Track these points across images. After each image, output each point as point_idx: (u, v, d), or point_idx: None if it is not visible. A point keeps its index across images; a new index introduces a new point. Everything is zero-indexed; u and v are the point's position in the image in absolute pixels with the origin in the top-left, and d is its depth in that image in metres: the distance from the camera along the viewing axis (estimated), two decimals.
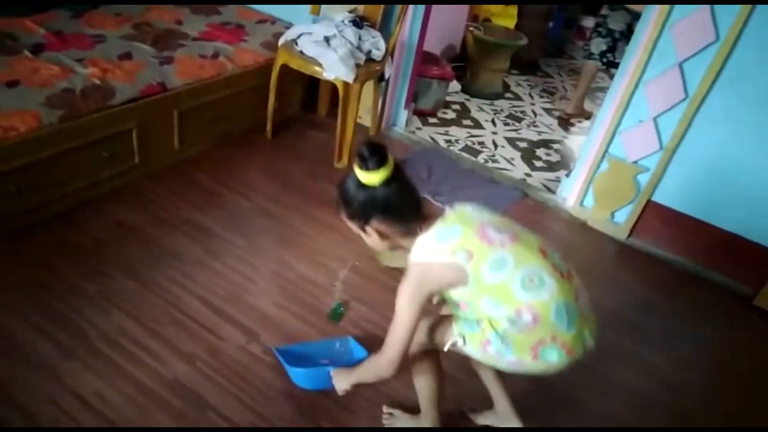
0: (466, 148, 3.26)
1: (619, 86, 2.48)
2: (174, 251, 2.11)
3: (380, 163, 1.20)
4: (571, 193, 2.82)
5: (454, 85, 3.87)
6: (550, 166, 3.25)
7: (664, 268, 2.60)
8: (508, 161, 3.22)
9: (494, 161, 3.19)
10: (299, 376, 1.65)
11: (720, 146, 2.34)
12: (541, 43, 4.67)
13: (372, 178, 1.20)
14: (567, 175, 2.89)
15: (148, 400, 1.60)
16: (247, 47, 2.82)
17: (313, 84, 3.13)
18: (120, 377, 1.64)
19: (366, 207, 1.25)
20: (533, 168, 3.20)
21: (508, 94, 4.08)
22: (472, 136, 3.42)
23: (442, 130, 3.42)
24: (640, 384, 1.97)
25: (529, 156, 3.31)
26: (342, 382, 1.46)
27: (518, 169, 3.16)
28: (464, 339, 1.28)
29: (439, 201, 2.70)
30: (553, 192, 2.96)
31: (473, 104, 3.84)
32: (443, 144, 3.26)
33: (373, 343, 1.89)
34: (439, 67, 3.45)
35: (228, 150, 2.77)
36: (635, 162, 2.54)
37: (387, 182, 1.22)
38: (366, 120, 3.16)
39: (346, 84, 2.59)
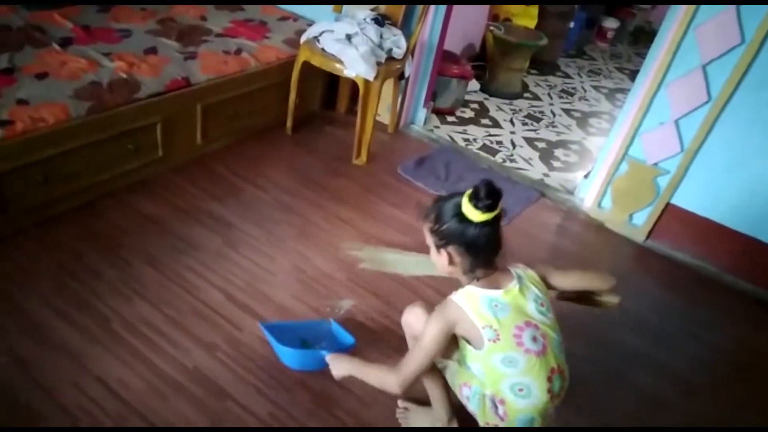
0: (484, 147, 3.27)
1: (641, 87, 2.47)
2: (194, 242, 2.15)
3: (491, 208, 1.26)
4: (589, 194, 2.81)
5: (473, 84, 3.87)
6: (569, 167, 3.24)
7: (682, 271, 2.58)
8: (526, 161, 3.21)
9: (512, 161, 3.19)
10: (287, 355, 1.67)
11: (742, 150, 2.32)
12: (561, 43, 4.65)
13: (476, 215, 1.26)
14: (585, 176, 2.88)
15: (168, 387, 1.63)
16: (269, 44, 2.85)
17: (333, 81, 3.15)
18: (141, 364, 1.68)
19: (453, 234, 1.30)
20: (551, 168, 3.19)
21: (527, 94, 4.07)
22: (491, 135, 3.42)
23: (460, 128, 3.42)
24: (656, 386, 1.97)
25: (547, 156, 3.30)
26: (340, 368, 1.49)
27: (536, 169, 3.15)
28: (454, 367, 1.41)
29: None
30: (571, 193, 2.95)
31: (492, 103, 3.83)
32: (461, 143, 3.26)
33: (384, 335, 1.92)
34: (459, 66, 3.45)
35: (249, 145, 2.80)
36: (655, 164, 2.52)
37: (485, 224, 1.27)
38: (385, 117, 3.17)
39: (366, 82, 2.61)
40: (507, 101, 3.90)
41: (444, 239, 1.32)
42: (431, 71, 3.12)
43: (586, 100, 4.17)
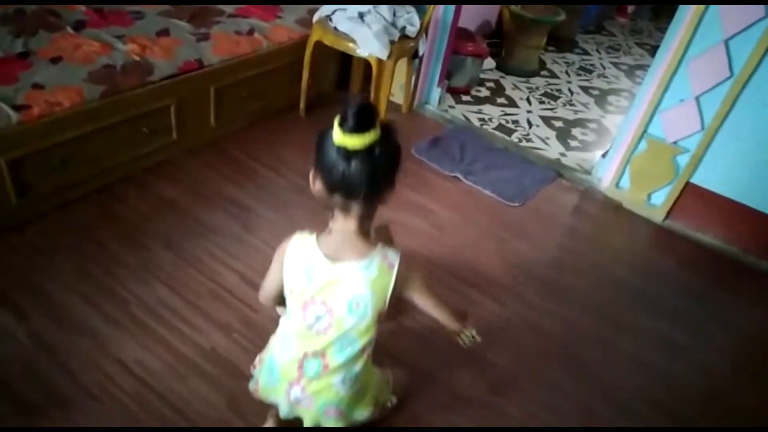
0: (500, 127, 3.22)
1: (661, 64, 2.40)
2: (211, 226, 2.17)
3: (356, 130, 1.02)
4: (606, 174, 2.77)
5: (489, 63, 3.81)
6: (586, 146, 3.18)
7: (702, 252, 2.54)
8: (543, 141, 3.17)
9: (528, 140, 3.15)
10: None
11: (765, 127, 2.26)
12: (580, 18, 4.54)
13: (338, 137, 1.04)
14: (603, 156, 2.83)
15: (186, 367, 1.66)
16: (282, 24, 2.82)
17: (346, 61, 3.12)
18: (159, 345, 1.71)
19: (317, 151, 1.11)
20: (568, 148, 3.14)
21: (544, 72, 4.00)
22: (506, 114, 3.37)
23: (475, 108, 3.38)
24: (674, 368, 1.95)
25: (564, 135, 3.25)
26: None
27: (553, 149, 3.11)
28: None
29: (471, 180, 2.69)
30: (589, 173, 2.90)
31: (508, 82, 3.77)
32: (476, 123, 3.22)
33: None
34: (474, 44, 3.39)
35: (262, 127, 2.80)
36: (675, 142, 2.47)
37: (349, 154, 1.04)
38: (398, 97, 3.14)
39: (379, 61, 2.58)
40: (524, 79, 3.83)
41: (316, 151, 1.11)
42: (445, 49, 3.07)
43: (605, 77, 4.08)
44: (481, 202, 2.60)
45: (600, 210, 2.72)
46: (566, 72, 4.06)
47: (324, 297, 1.20)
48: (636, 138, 2.56)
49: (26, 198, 2.00)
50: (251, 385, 1.41)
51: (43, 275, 1.86)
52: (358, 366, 1.27)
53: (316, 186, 1.13)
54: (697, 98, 2.34)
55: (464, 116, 3.26)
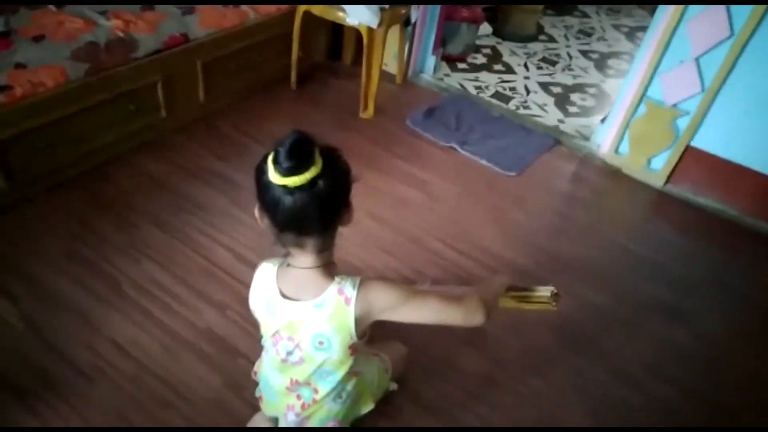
0: (497, 95, 3.16)
1: (660, 25, 2.32)
2: (201, 202, 2.14)
3: (294, 171, 0.96)
4: (605, 140, 2.71)
5: (485, 28, 3.71)
6: (585, 112, 3.12)
7: (703, 217, 2.50)
8: (541, 107, 3.10)
9: (526, 108, 3.08)
10: None
11: (765, 88, 2.19)
12: None
13: (275, 177, 0.97)
14: (602, 121, 2.77)
15: (180, 346, 1.66)
16: None
17: (337, 31, 3.05)
18: (153, 324, 1.70)
19: (258, 187, 1.03)
20: (567, 114, 3.08)
21: (542, 36, 3.90)
22: (504, 81, 3.30)
23: (471, 75, 3.30)
24: (676, 335, 1.92)
25: (563, 101, 3.18)
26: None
27: (551, 116, 3.04)
28: None
29: (467, 150, 2.64)
30: (587, 139, 2.85)
31: (505, 48, 3.68)
32: (472, 91, 3.16)
33: None
34: (469, 9, 3.30)
35: (253, 101, 2.75)
36: (674, 105, 2.40)
37: (294, 189, 0.97)
38: (392, 67, 3.08)
39: (370, 30, 2.52)
40: (521, 45, 3.74)
41: (257, 188, 1.03)
42: (439, 15, 2.99)
43: (605, 40, 3.98)
44: (477, 172, 2.56)
45: (599, 176, 2.67)
46: (565, 36, 3.96)
47: (289, 333, 1.15)
48: (635, 102, 2.49)
49: (13, 181, 1.98)
50: (257, 393, 1.41)
51: (34, 259, 1.84)
52: (349, 385, 1.26)
53: (265, 223, 1.05)
54: (696, 59, 2.27)
55: (460, 84, 3.19)
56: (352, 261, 2.00)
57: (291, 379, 1.22)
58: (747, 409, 1.73)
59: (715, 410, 1.71)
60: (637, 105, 2.50)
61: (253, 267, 1.88)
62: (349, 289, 1.09)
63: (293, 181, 0.96)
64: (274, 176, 0.97)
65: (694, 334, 1.94)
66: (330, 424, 1.29)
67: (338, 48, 3.15)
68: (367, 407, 1.36)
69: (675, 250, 2.32)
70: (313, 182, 0.98)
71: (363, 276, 1.13)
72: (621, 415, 1.66)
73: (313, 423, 1.28)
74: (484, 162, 2.60)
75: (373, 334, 1.24)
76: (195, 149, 2.41)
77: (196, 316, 1.75)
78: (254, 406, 1.46)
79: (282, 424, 1.33)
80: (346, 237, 2.07)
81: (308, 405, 1.24)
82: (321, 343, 1.13)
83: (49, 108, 1.97)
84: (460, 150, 2.65)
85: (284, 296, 1.13)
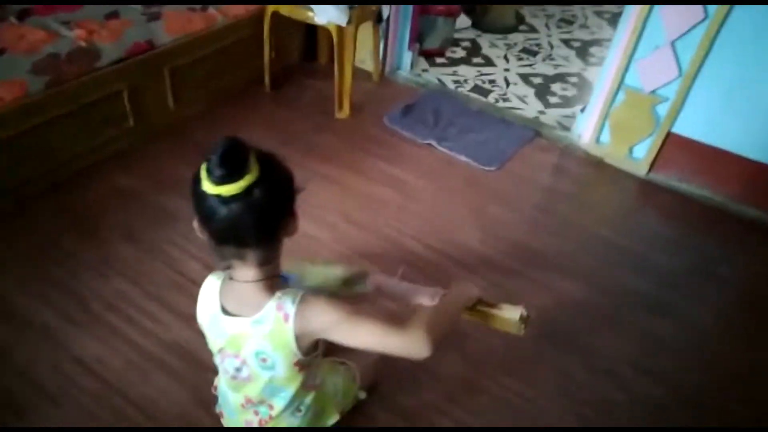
0: (476, 88, 3.11)
1: (633, 11, 2.27)
2: (172, 213, 2.10)
3: (227, 179, 0.91)
4: (586, 130, 2.66)
5: (464, 21, 3.66)
6: (567, 102, 3.07)
7: (688, 204, 2.45)
8: (521, 99, 3.05)
9: (506, 100, 3.03)
10: None
11: (744, 69, 2.14)
12: None
13: (208, 186, 0.93)
14: (582, 110, 2.72)
15: (148, 362, 1.62)
16: None
17: (311, 30, 3.00)
18: (120, 341, 1.66)
19: (193, 197, 0.98)
20: (547, 105, 3.03)
21: (523, 27, 3.84)
22: (483, 74, 3.25)
23: (450, 70, 3.25)
24: (662, 328, 1.87)
25: (543, 92, 3.13)
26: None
27: (531, 107, 2.99)
28: None
29: (445, 146, 2.60)
30: (568, 129, 2.80)
31: (485, 40, 3.63)
32: (451, 86, 3.10)
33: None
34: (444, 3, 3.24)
35: (226, 106, 2.70)
36: (653, 92, 2.35)
37: (229, 199, 0.93)
38: (368, 65, 3.03)
39: (339, 28, 2.47)
40: (501, 36, 3.68)
41: (193, 199, 0.98)
42: (413, 11, 2.94)
43: (587, 27, 3.92)
44: (456, 168, 2.52)
45: (581, 167, 2.62)
46: (546, 25, 3.90)
47: (234, 350, 1.11)
48: (613, 90, 2.44)
49: None
50: (217, 408, 1.37)
51: (1, 279, 1.80)
52: (308, 399, 1.21)
53: (204, 235, 1.01)
54: (672, 43, 2.22)
55: (438, 80, 3.14)
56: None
57: (245, 397, 1.18)
58: (736, 403, 1.68)
59: (703, 405, 1.67)
60: (616, 93, 2.45)
61: None
62: (289, 305, 1.03)
63: (226, 189, 0.92)
64: (207, 185, 0.93)
65: (680, 327, 1.89)
66: None
67: (313, 48, 3.11)
68: (332, 419, 1.32)
69: (660, 241, 2.27)
70: (248, 191, 0.93)
71: (307, 292, 1.07)
72: (605, 414, 1.62)
73: None
74: (462, 158, 2.55)
75: (332, 345, 1.19)
76: (165, 158, 2.36)
77: (164, 330, 1.71)
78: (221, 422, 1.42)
79: None
80: (318, 240, 2.06)
81: (265, 421, 1.20)
82: (264, 360, 1.09)
83: (8, 123, 1.92)
84: (438, 146, 2.60)
85: (225, 311, 1.08)
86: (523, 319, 1.22)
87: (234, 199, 0.92)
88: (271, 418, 1.20)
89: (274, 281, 1.07)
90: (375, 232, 2.13)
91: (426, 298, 1.34)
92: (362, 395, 1.46)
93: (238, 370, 1.13)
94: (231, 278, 1.08)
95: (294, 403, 1.18)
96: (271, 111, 2.75)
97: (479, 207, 2.31)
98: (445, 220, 2.23)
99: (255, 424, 1.22)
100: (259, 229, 0.98)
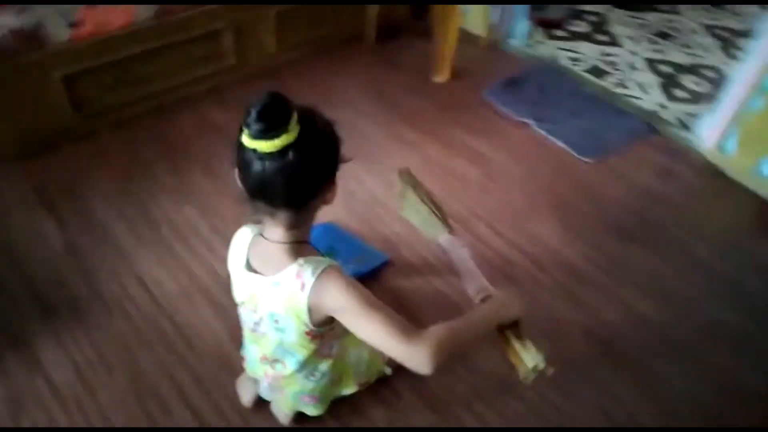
0: (593, 69, 2.83)
1: None
2: None
3: (264, 134, 0.89)
4: (710, 133, 2.33)
5: None
6: (695, 98, 2.71)
7: None
8: (642, 88, 2.74)
9: (624, 86, 2.74)
10: None
11: None
12: None
13: (246, 139, 0.91)
14: (710, 111, 2.38)
15: (199, 293, 1.68)
16: None
17: None
18: (179, 268, 1.74)
19: (235, 148, 0.97)
20: (671, 98, 2.69)
21: (664, 6, 3.42)
22: (605, 54, 2.95)
23: (569, 45, 2.99)
24: (744, 376, 1.62)
25: (670, 83, 2.79)
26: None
27: (652, 98, 2.68)
28: None
29: (543, 128, 2.41)
30: (689, 129, 2.48)
31: (616, 16, 3.27)
32: (566, 63, 2.85)
33: (424, 270, 1.79)
34: None
35: (326, 56, 2.68)
36: None
37: (264, 155, 0.91)
38: (478, 28, 2.85)
39: None
40: (636, 13, 3.31)
41: (236, 145, 0.95)
42: None
43: (739, 15, 3.41)
44: (549, 153, 2.33)
45: (694, 175, 2.32)
46: (692, 8, 3.44)
47: (252, 305, 1.11)
48: (752, 91, 2.11)
49: (82, 113, 2.09)
50: (242, 353, 1.39)
51: (90, 189, 1.95)
52: (323, 365, 1.18)
53: (240, 186, 0.99)
54: None
55: (554, 54, 2.90)
56: (383, 231, 1.92)
57: (261, 352, 1.18)
58: None
59: None
60: (754, 96, 2.11)
61: None
62: (308, 276, 1.00)
63: (261, 146, 0.89)
64: (245, 137, 0.91)
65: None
66: (305, 399, 1.24)
67: (425, 5, 2.97)
68: (349, 389, 1.30)
69: None
70: (283, 151, 0.90)
71: (332, 266, 1.02)
72: None
73: (286, 395, 1.24)
74: (559, 143, 2.35)
75: None
76: None
77: (221, 265, 1.74)
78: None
79: (260, 388, 1.31)
80: (384, 206, 2.01)
81: (280, 377, 1.20)
82: (276, 321, 1.08)
83: (116, 47, 2.04)
84: (535, 126, 2.42)
85: (249, 267, 1.08)
86: (536, 370, 1.11)
87: (269, 156, 0.90)
88: (284, 376, 1.19)
89: (302, 246, 1.05)
90: (445, 209, 2.03)
91: (471, 288, 1.25)
92: (388, 371, 1.42)
93: (256, 324, 1.13)
94: (261, 234, 1.06)
95: (307, 367, 1.17)
96: (369, 66, 2.69)
97: (566, 200, 2.12)
98: (524, 208, 2.08)
99: (270, 378, 1.23)
100: (289, 193, 0.96)
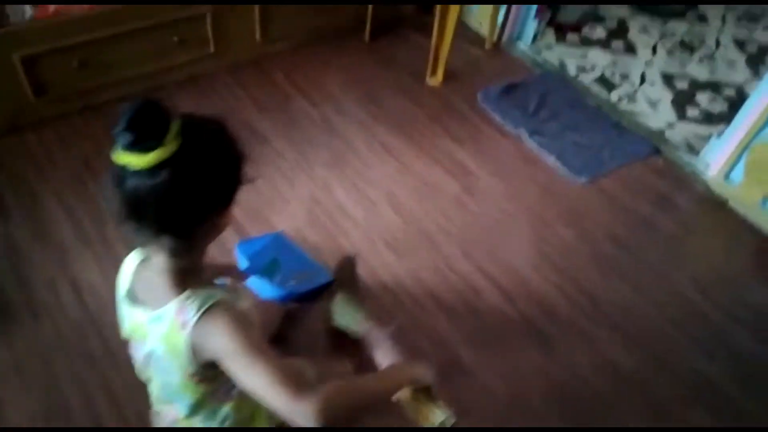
0: (601, 80, 2.63)
1: None
2: None
3: (135, 146, 0.76)
4: (716, 160, 2.14)
5: None
6: (708, 118, 2.49)
7: None
8: (650, 104, 2.53)
9: (631, 101, 2.54)
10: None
11: None
12: None
13: (115, 153, 0.78)
14: (718, 135, 2.18)
15: None
16: None
17: None
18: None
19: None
20: (682, 116, 2.48)
21: (692, 13, 3.16)
22: (617, 64, 2.74)
23: (579, 51, 2.78)
24: None
25: (683, 100, 2.57)
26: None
27: (660, 116, 2.47)
28: None
29: (536, 141, 2.24)
30: (696, 153, 2.28)
31: (638, 22, 3.04)
32: (572, 71, 2.65)
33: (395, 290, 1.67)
34: None
35: (316, 49, 2.53)
36: None
37: (138, 171, 0.77)
38: (483, 28, 2.68)
39: None
40: (660, 20, 3.07)
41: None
42: None
43: None
44: (537, 170, 2.16)
45: (695, 205, 2.14)
46: (723, 17, 3.18)
47: (136, 339, 0.97)
48: (763, 118, 1.91)
49: (44, 98, 2.00)
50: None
51: (43, 182, 1.87)
52: (223, 409, 1.05)
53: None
54: None
55: (561, 61, 2.70)
56: (344, 244, 1.80)
57: (154, 391, 1.07)
58: None
59: None
60: (766, 123, 1.91)
61: (241, 232, 1.78)
62: (191, 313, 0.85)
63: (131, 160, 0.76)
64: (115, 150, 0.78)
65: None
66: None
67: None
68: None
69: (766, 325, 1.79)
70: (156, 169, 0.76)
71: (221, 302, 0.88)
72: None
73: None
74: (550, 159, 2.19)
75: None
76: (238, 94, 2.29)
77: None
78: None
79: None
80: (348, 217, 1.88)
81: (179, 419, 1.09)
82: (156, 360, 0.95)
83: (81, 28, 1.93)
84: (526, 139, 2.25)
85: (129, 297, 0.95)
86: (442, 426, 0.98)
87: (135, 174, 0.77)
88: (181, 419, 1.09)
89: (189, 276, 0.91)
90: (414, 224, 1.90)
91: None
92: None
93: (145, 357, 1.02)
94: (148, 259, 0.94)
95: (202, 412, 1.06)
96: (361, 62, 2.54)
97: (547, 225, 1.97)
98: (501, 230, 1.93)
99: (173, 417, 1.13)
100: (161, 219, 0.82)
